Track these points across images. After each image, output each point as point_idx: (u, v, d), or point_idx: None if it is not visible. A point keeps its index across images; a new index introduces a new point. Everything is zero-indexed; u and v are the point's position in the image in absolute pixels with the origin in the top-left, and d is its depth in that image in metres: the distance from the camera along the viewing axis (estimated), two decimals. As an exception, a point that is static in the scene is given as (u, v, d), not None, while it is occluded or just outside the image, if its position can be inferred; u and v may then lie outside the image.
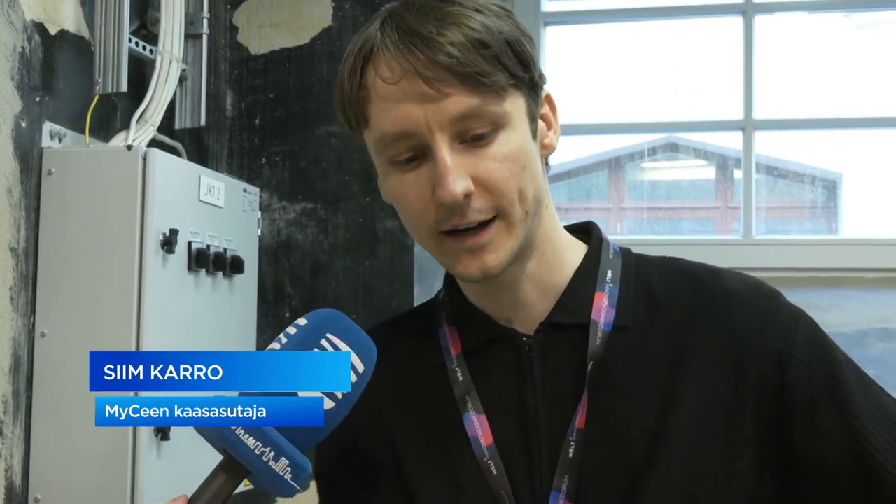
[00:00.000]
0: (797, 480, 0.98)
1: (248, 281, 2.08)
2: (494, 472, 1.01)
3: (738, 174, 2.54)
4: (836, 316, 2.35)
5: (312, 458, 0.96)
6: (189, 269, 1.81)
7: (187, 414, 0.82)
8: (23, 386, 1.76)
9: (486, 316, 1.07)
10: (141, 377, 0.82)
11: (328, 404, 0.87)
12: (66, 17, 1.91)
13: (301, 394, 0.86)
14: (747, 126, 2.43)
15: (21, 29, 1.78)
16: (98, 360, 0.80)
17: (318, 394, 0.88)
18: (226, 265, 1.93)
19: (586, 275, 1.06)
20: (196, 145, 2.30)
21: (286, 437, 0.87)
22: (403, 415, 1.11)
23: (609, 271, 1.07)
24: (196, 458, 1.76)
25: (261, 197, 2.30)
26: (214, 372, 0.84)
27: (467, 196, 0.92)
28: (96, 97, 1.86)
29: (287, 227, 2.39)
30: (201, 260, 1.83)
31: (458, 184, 0.91)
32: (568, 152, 2.76)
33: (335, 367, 0.88)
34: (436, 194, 0.92)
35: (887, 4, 2.53)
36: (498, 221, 0.95)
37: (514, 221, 0.96)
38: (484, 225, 0.95)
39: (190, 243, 1.80)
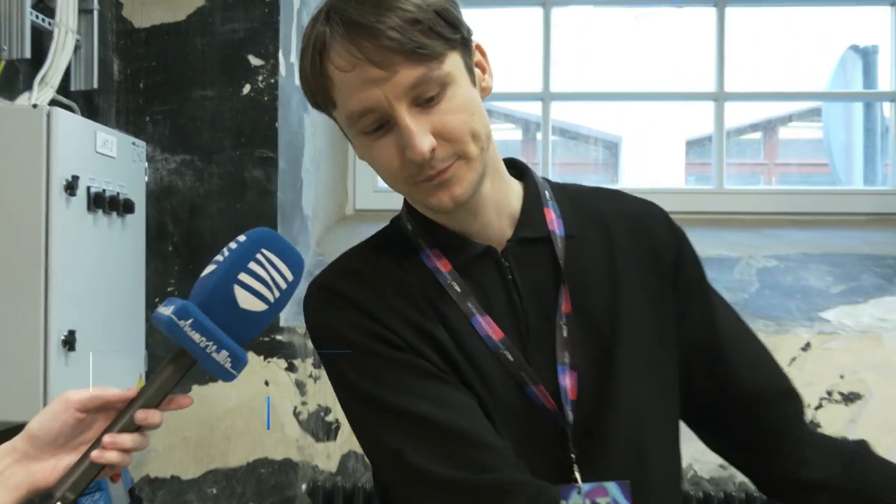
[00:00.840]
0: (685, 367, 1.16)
1: (137, 221, 2.21)
2: (511, 360, 1.10)
3: (538, 136, 2.77)
4: None
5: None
6: (88, 209, 1.94)
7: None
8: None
9: (465, 237, 1.16)
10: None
11: (261, 307, 1.00)
12: None
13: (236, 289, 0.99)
14: (545, 97, 2.66)
15: None
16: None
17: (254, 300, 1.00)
18: (119, 206, 2.07)
19: (534, 196, 1.19)
20: (88, 105, 2.41)
21: (232, 331, 0.99)
22: (403, 326, 1.15)
23: (545, 192, 1.20)
24: (98, 367, 1.90)
25: (146, 149, 2.35)
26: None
27: (433, 150, 1.02)
28: (2, 63, 1.98)
29: (169, 176, 2.54)
30: (99, 202, 1.97)
31: (424, 142, 1.01)
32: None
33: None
34: (406, 155, 1.02)
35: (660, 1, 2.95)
36: (458, 160, 1.05)
37: (472, 157, 1.05)
38: (449, 165, 1.06)
39: (88, 188, 1.93)
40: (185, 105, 2.57)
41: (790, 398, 1.23)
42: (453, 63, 1.04)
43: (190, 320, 0.95)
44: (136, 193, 2.21)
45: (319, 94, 1.07)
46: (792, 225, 2.65)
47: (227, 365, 0.97)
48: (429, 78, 1.00)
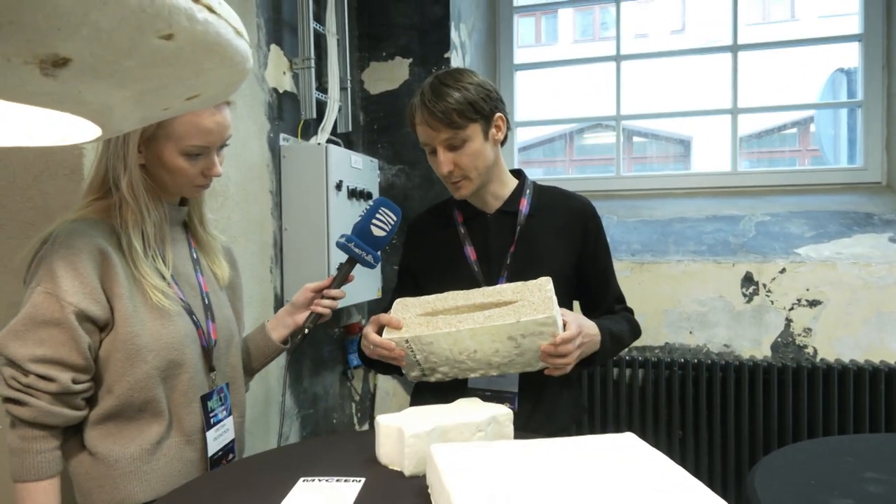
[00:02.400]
0: (579, 281, 1.73)
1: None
2: (476, 270, 1.70)
3: (634, 139, 3.35)
4: (662, 212, 3.24)
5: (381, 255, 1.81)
6: (348, 197, 2.64)
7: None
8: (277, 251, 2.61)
9: (472, 206, 1.74)
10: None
11: (382, 234, 1.65)
12: (286, 84, 2.67)
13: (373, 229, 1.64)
14: (617, 120, 3.36)
15: (267, 91, 2.54)
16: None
17: (381, 232, 1.64)
18: (364, 195, 2.77)
19: (518, 191, 1.74)
20: (346, 141, 3.05)
21: (370, 246, 1.63)
22: (436, 244, 1.77)
23: (527, 189, 1.74)
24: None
25: (378, 163, 3.11)
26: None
27: (450, 172, 1.61)
28: (302, 120, 2.71)
29: (391, 178, 3.24)
30: (353, 193, 2.70)
31: (445, 168, 1.60)
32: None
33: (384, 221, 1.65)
34: (439, 170, 1.62)
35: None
36: (464, 179, 1.64)
37: (472, 179, 1.64)
38: (460, 180, 1.64)
39: (347, 186, 2.64)
40: (399, 137, 3.21)
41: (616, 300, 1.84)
42: (473, 129, 1.60)
43: (352, 243, 1.63)
44: (372, 187, 2.95)
45: (412, 128, 1.67)
46: (784, 193, 3.17)
47: (371, 260, 1.64)
48: (455, 137, 1.59)
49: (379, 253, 1.65)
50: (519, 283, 1.53)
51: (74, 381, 1.31)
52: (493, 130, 1.63)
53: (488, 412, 1.38)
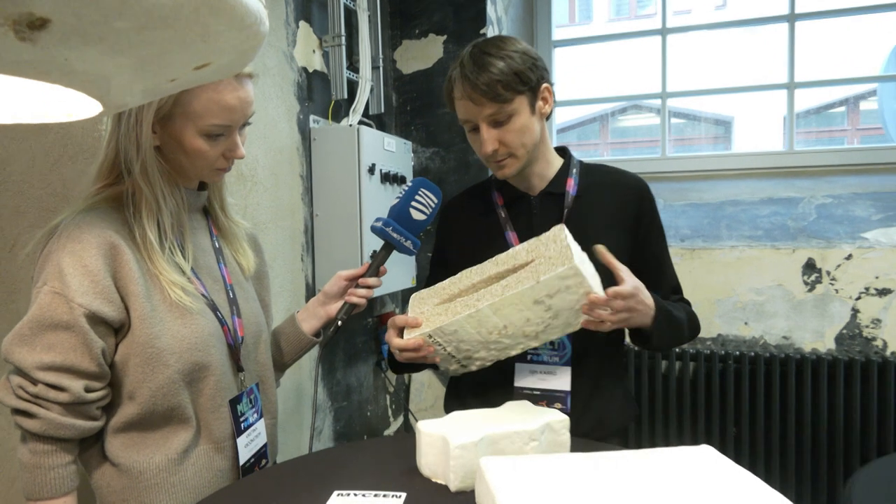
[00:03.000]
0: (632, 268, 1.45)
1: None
2: None
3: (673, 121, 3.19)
4: (712, 194, 3.09)
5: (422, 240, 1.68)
6: (381, 182, 2.60)
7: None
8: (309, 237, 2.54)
9: (514, 187, 1.61)
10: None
11: (422, 217, 1.52)
12: (316, 63, 2.61)
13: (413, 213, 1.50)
14: (663, 96, 3.18)
15: (296, 71, 2.48)
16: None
17: (421, 216, 1.50)
18: (397, 179, 2.71)
19: (564, 170, 1.61)
20: (379, 122, 3.00)
21: (409, 231, 1.51)
22: (473, 229, 1.65)
23: (574, 169, 1.61)
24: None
25: (412, 146, 3.02)
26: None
27: (494, 151, 1.48)
28: (332, 101, 2.64)
29: (426, 161, 3.17)
30: (386, 177, 2.64)
31: (488, 147, 1.46)
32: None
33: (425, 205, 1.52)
34: (482, 149, 1.49)
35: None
36: (510, 157, 1.50)
37: (519, 156, 1.50)
38: (505, 158, 1.50)
39: (380, 169, 2.59)
40: (433, 119, 3.13)
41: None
42: (520, 102, 1.47)
43: (390, 227, 1.50)
44: (406, 171, 2.89)
45: (449, 104, 1.55)
46: (844, 173, 2.97)
47: (409, 246, 1.52)
48: (500, 111, 1.45)
49: (418, 239, 1.53)
50: (532, 240, 1.39)
51: (87, 390, 1.20)
52: (540, 103, 1.50)
53: (541, 418, 1.26)
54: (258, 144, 2.25)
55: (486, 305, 1.31)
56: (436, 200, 1.53)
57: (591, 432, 1.56)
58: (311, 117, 2.55)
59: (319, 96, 2.62)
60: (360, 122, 2.72)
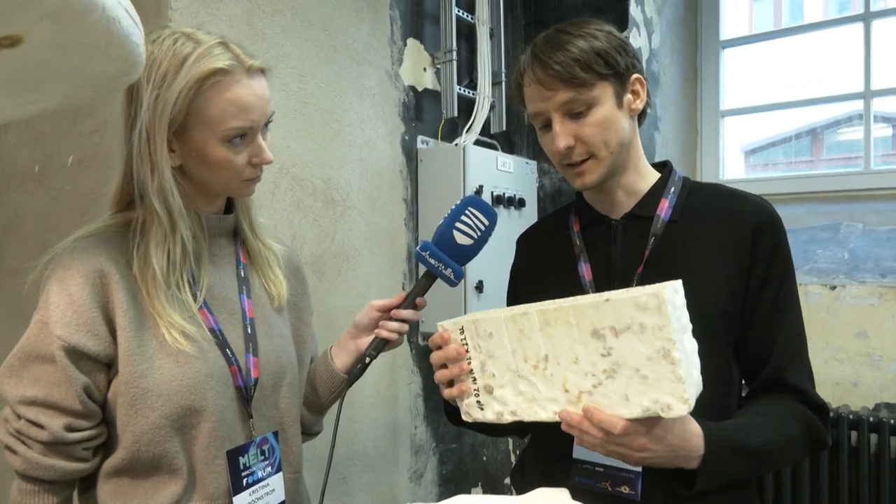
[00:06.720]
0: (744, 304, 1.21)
1: (530, 212, 2.60)
2: (590, 292, 1.27)
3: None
4: None
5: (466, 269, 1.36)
6: (492, 206, 2.22)
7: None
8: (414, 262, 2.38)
9: (594, 209, 1.34)
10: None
11: (468, 242, 1.26)
12: (427, 82, 2.48)
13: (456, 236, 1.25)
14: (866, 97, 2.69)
15: (402, 90, 2.38)
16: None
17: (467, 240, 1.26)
18: (515, 203, 2.50)
19: (658, 188, 1.29)
20: (507, 141, 2.82)
21: (451, 258, 1.26)
22: (544, 259, 1.41)
23: (672, 187, 1.30)
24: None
25: (543, 166, 2.79)
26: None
27: (569, 148, 1.19)
28: (443, 121, 2.48)
29: (559, 183, 2.88)
30: (500, 200, 2.44)
31: (562, 142, 1.18)
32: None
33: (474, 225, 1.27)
34: (553, 147, 1.21)
35: None
36: (591, 160, 1.22)
37: (601, 158, 1.21)
38: (584, 160, 1.22)
39: (492, 192, 2.41)
40: None
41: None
42: (603, 90, 1.19)
43: (427, 252, 1.27)
44: (528, 193, 2.65)
45: (517, 98, 1.28)
46: None
47: (451, 276, 1.28)
48: (577, 99, 1.18)
49: (463, 268, 1.27)
50: (623, 294, 1.01)
51: (69, 429, 1.11)
52: (630, 97, 1.22)
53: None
54: (352, 168, 2.15)
55: (535, 310, 1.04)
56: (487, 222, 1.27)
57: None
58: (420, 138, 2.43)
59: (430, 116, 2.49)
60: (477, 142, 2.53)
